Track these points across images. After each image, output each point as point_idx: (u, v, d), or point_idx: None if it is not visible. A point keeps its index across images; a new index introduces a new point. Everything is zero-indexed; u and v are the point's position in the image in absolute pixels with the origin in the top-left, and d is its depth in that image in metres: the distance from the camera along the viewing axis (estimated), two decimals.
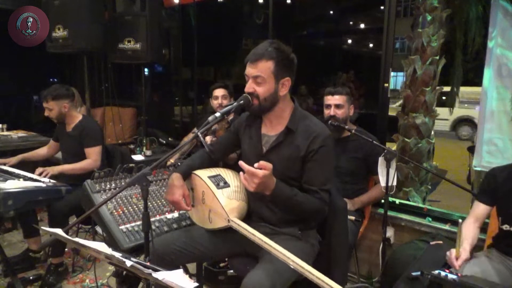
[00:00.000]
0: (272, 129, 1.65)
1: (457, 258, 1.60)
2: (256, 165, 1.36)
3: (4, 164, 2.66)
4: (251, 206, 1.69)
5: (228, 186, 1.64)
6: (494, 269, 1.63)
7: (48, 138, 3.58)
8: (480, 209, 1.78)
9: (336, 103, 2.34)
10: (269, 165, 1.36)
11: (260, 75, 1.52)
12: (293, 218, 1.61)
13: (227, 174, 1.72)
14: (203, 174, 1.67)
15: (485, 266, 1.64)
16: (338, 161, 2.38)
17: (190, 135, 3.22)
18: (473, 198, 2.77)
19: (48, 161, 2.99)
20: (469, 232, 1.72)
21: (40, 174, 2.46)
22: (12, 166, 2.66)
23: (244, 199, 1.66)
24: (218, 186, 1.61)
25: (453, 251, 1.63)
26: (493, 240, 1.83)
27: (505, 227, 1.71)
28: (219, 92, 2.86)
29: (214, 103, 2.88)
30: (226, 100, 2.84)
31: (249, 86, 1.55)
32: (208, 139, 2.35)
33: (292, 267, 1.30)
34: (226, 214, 1.54)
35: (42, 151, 2.97)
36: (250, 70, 1.54)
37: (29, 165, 2.58)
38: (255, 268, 1.46)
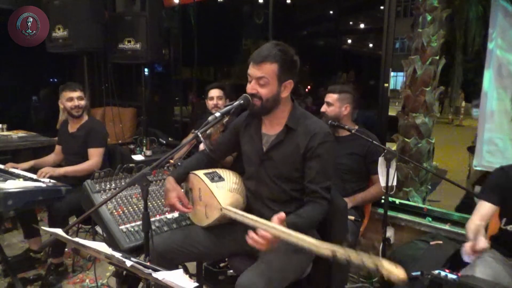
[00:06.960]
0: (271, 128, 1.65)
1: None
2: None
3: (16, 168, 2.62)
4: (250, 206, 1.69)
5: (223, 180, 1.67)
6: (502, 270, 1.62)
7: (48, 138, 3.59)
8: (486, 208, 1.64)
9: (327, 101, 2.40)
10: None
11: (264, 77, 1.51)
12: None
13: (223, 172, 1.75)
14: (200, 172, 1.71)
15: (493, 266, 1.61)
16: (338, 158, 2.38)
17: (190, 136, 3.20)
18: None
19: (58, 166, 2.96)
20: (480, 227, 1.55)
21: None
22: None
23: (240, 193, 1.67)
24: (212, 180, 1.65)
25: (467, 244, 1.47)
26: (492, 240, 1.81)
27: (510, 227, 1.66)
28: (214, 92, 2.81)
29: (210, 103, 2.83)
30: (221, 100, 2.80)
31: (252, 87, 1.54)
32: (202, 146, 2.31)
33: (292, 240, 1.26)
34: (218, 203, 1.55)
35: (51, 158, 2.93)
36: (253, 71, 1.53)
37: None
38: (249, 268, 1.45)
